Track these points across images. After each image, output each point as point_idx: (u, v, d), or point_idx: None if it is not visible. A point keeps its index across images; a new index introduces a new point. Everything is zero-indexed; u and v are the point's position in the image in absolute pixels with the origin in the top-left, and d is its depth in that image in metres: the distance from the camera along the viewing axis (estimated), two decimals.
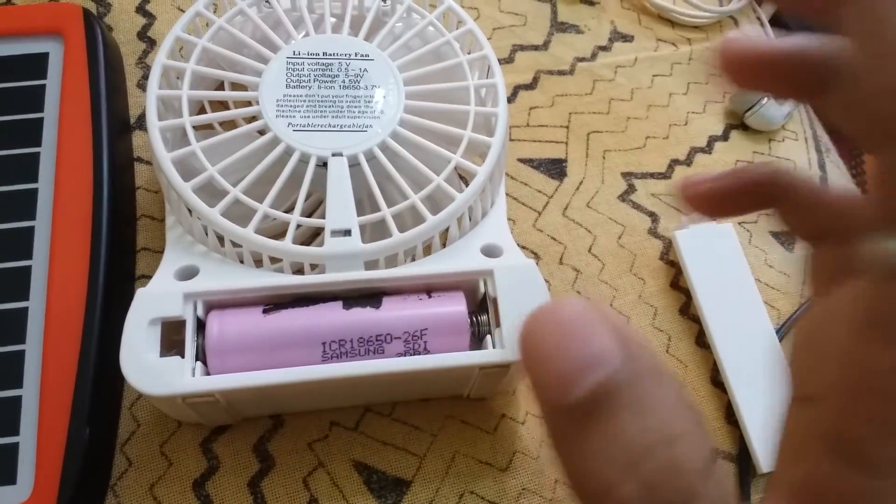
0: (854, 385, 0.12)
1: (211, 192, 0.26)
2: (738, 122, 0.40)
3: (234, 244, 0.26)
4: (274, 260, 0.26)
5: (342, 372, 0.23)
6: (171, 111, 0.28)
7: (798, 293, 0.35)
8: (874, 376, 0.12)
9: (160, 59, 0.28)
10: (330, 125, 0.27)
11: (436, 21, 0.31)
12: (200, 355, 0.23)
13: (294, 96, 0.27)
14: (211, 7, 0.30)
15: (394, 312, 0.24)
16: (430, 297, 0.25)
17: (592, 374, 0.12)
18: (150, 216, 0.31)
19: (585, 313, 0.12)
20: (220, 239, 0.26)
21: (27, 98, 0.31)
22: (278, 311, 0.24)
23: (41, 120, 0.30)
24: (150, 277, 0.25)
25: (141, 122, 0.33)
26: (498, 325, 0.24)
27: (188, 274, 0.25)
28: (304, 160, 0.27)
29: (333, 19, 0.30)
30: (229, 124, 0.30)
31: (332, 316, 0.24)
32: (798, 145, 0.40)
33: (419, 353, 0.24)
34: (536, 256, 0.33)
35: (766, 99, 0.38)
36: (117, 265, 0.29)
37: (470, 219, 0.28)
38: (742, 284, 0.33)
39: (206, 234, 0.26)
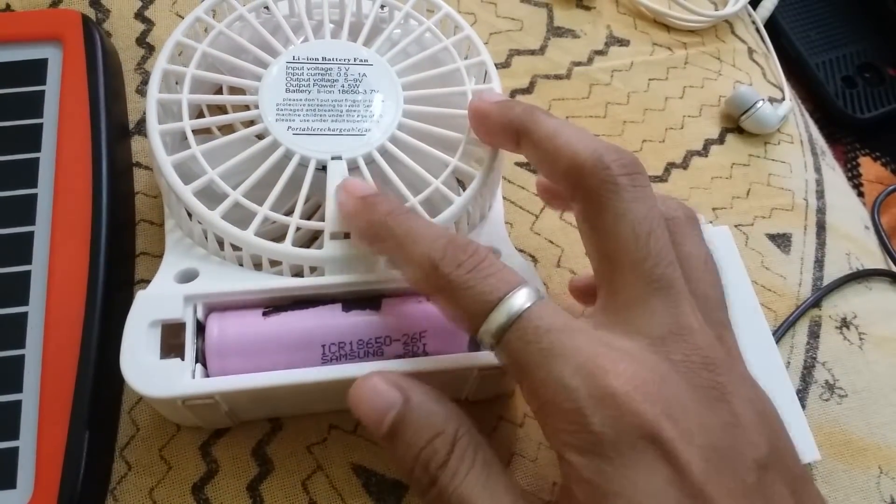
0: None
1: (211, 196, 0.26)
2: (733, 126, 0.40)
3: (234, 247, 0.26)
4: (273, 263, 0.26)
5: (341, 374, 0.23)
6: (171, 115, 0.29)
7: (795, 296, 0.35)
8: None
9: (160, 63, 0.28)
10: (329, 129, 0.27)
11: (433, 27, 0.31)
12: (200, 357, 0.23)
13: (293, 100, 0.28)
14: (211, 12, 0.30)
15: (393, 315, 0.24)
16: (428, 299, 0.25)
17: (386, 416, 0.21)
18: (148, 221, 0.31)
19: (375, 384, 0.21)
20: (220, 242, 0.26)
21: (26, 104, 0.31)
22: (278, 313, 0.24)
23: (40, 125, 0.30)
24: (149, 281, 0.25)
25: (140, 128, 0.34)
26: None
27: (188, 277, 0.25)
28: (303, 164, 0.27)
29: (332, 25, 0.31)
30: (229, 128, 0.31)
31: (331, 318, 0.24)
32: (794, 148, 0.40)
33: (418, 355, 0.24)
34: (534, 259, 0.33)
35: (761, 102, 0.39)
36: (116, 269, 0.29)
37: (468, 222, 0.28)
38: (738, 287, 0.33)
39: (206, 237, 0.26)
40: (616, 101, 0.39)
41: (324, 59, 0.29)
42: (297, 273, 0.26)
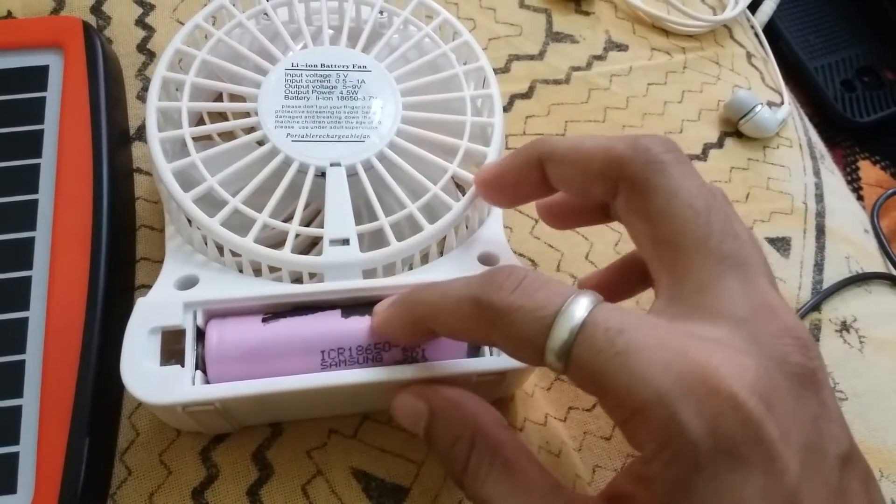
0: None
1: (210, 203, 0.26)
2: (732, 130, 0.40)
3: (234, 253, 0.26)
4: (273, 269, 0.26)
5: (341, 380, 0.23)
6: (171, 122, 0.29)
7: (795, 299, 0.35)
8: None
9: (160, 70, 0.28)
10: (328, 136, 0.27)
11: (432, 33, 0.31)
12: (200, 364, 0.24)
13: (292, 107, 0.28)
14: (210, 20, 0.30)
15: None
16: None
17: (420, 423, 0.22)
18: (149, 226, 0.32)
19: (404, 398, 0.23)
20: (220, 248, 0.26)
21: (28, 110, 0.31)
22: (277, 319, 0.24)
23: (41, 132, 0.30)
24: (149, 287, 0.26)
25: (140, 134, 0.34)
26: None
27: (188, 283, 0.26)
28: (302, 170, 0.27)
29: (331, 31, 0.31)
30: (228, 135, 0.31)
31: (330, 324, 0.24)
32: (793, 152, 0.40)
33: (417, 361, 0.24)
34: (534, 264, 0.33)
35: (760, 106, 0.39)
36: (117, 275, 0.29)
37: (467, 227, 0.28)
38: None
39: (206, 244, 0.26)
40: (615, 106, 0.39)
41: (322, 65, 0.29)
42: (297, 279, 0.26)
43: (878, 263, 0.38)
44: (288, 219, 0.26)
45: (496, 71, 0.31)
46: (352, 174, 0.27)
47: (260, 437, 0.28)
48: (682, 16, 0.43)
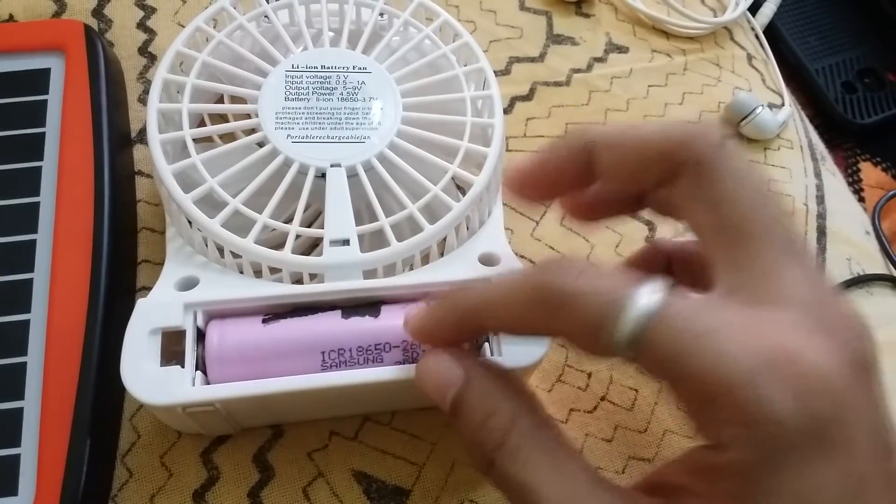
0: None
1: (211, 204, 0.26)
2: (733, 132, 0.40)
3: (234, 255, 0.26)
4: (273, 270, 0.26)
5: (341, 380, 0.23)
6: (172, 124, 0.29)
7: None
8: None
9: (161, 73, 0.28)
10: (328, 137, 0.28)
11: (432, 34, 0.31)
12: (200, 365, 0.24)
13: (293, 109, 0.28)
14: (211, 22, 0.30)
15: (392, 321, 0.25)
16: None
17: (449, 391, 0.21)
18: (150, 228, 0.32)
19: (442, 359, 0.21)
20: (220, 249, 0.26)
21: (29, 113, 0.31)
22: (278, 320, 0.24)
23: (43, 135, 0.31)
24: (150, 289, 0.26)
25: (142, 136, 0.34)
26: (495, 333, 0.25)
27: (188, 284, 0.26)
28: (302, 171, 0.27)
29: (331, 33, 0.31)
30: (229, 137, 0.31)
31: (331, 325, 0.24)
32: (793, 153, 0.40)
33: (417, 362, 0.24)
34: (534, 265, 0.33)
35: (760, 108, 0.39)
36: (118, 277, 0.29)
37: (467, 228, 0.28)
38: None
39: (206, 245, 0.26)
40: (616, 108, 0.39)
41: (323, 67, 0.29)
42: (297, 280, 0.26)
43: (879, 265, 0.38)
44: (288, 220, 0.26)
45: (497, 73, 0.31)
46: (352, 175, 0.27)
47: (261, 439, 0.28)
48: (683, 18, 0.43)
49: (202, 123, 0.32)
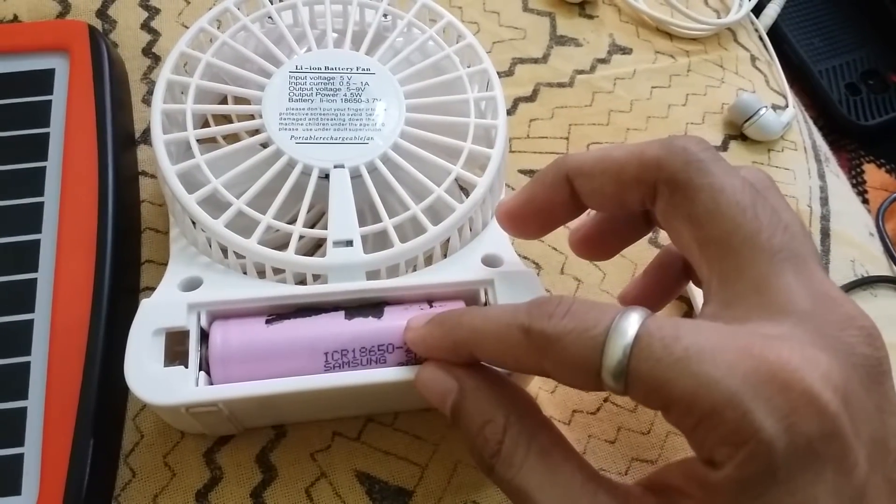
0: None
1: (214, 204, 0.26)
2: (737, 133, 0.40)
3: (238, 255, 0.26)
4: (277, 270, 0.26)
5: (344, 381, 0.23)
6: (176, 125, 0.29)
7: None
8: None
9: (165, 73, 0.28)
10: (332, 138, 0.28)
11: (436, 36, 0.31)
12: (204, 365, 0.24)
13: (296, 110, 0.28)
14: (215, 23, 0.30)
15: (395, 322, 0.25)
16: (431, 306, 0.25)
17: (447, 400, 0.21)
18: (154, 229, 0.32)
19: (434, 370, 0.22)
20: (224, 250, 0.26)
21: (33, 113, 0.31)
22: (281, 321, 0.24)
23: (47, 135, 0.31)
24: (154, 289, 0.26)
25: (146, 137, 0.34)
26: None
27: (192, 285, 0.26)
28: (306, 172, 0.27)
29: (335, 34, 0.31)
30: (233, 137, 0.31)
31: (334, 326, 0.24)
32: (797, 155, 0.40)
33: (421, 363, 0.24)
34: (538, 266, 0.33)
35: (764, 109, 0.39)
36: (122, 277, 0.29)
37: (471, 229, 0.28)
38: None
39: (210, 246, 0.26)
40: (619, 109, 0.39)
41: (326, 68, 0.29)
42: (301, 281, 0.26)
43: (883, 267, 0.38)
44: (292, 221, 0.26)
45: (500, 74, 0.31)
46: (355, 176, 0.27)
47: (264, 440, 0.28)
48: (686, 19, 0.43)
49: (206, 124, 0.32)
